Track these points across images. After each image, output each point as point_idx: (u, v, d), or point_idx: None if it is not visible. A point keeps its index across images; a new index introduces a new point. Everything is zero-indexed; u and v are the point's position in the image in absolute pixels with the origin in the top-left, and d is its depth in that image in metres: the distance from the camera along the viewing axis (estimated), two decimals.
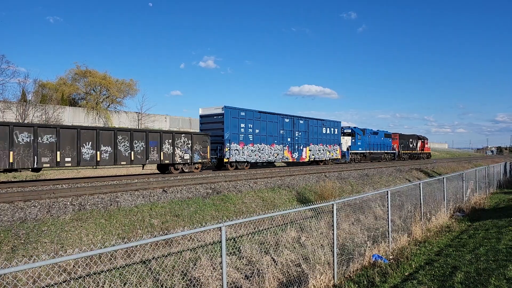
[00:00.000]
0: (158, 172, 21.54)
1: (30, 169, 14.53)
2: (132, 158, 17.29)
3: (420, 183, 10.67)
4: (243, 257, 8.22)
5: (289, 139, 26.92)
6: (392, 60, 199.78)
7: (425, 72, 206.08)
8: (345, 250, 7.70)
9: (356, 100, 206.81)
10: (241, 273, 7.32)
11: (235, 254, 8.40)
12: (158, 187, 13.34)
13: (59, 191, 11.35)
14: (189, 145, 20.22)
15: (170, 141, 19.23)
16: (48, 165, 14.42)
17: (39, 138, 14.05)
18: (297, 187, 17.75)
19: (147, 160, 18.09)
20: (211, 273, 7.09)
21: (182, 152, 19.90)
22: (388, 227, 8.22)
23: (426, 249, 7.99)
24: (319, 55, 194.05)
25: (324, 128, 30.59)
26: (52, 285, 5.92)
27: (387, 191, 8.42)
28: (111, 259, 7.05)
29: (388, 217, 8.36)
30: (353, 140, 34.55)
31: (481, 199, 15.28)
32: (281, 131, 26.23)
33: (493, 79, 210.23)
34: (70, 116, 35.20)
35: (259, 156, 24.66)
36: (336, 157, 32.00)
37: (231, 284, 6.36)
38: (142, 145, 17.74)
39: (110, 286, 5.84)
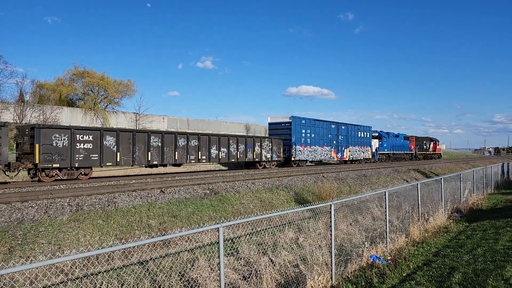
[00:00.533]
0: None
1: (182, 164, 20.94)
2: (238, 157, 23.78)
3: (417, 184, 10.69)
4: (241, 258, 8.20)
5: (334, 142, 32.61)
6: (390, 61, 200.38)
7: (422, 72, 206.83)
8: (343, 250, 7.70)
9: (354, 101, 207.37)
10: (239, 274, 7.30)
11: (233, 255, 8.39)
12: (156, 188, 13.31)
13: (56, 192, 11.31)
14: (269, 147, 26.32)
15: (259, 144, 25.44)
16: (193, 161, 21.03)
17: (189, 142, 20.47)
18: (295, 188, 17.76)
19: (246, 158, 24.50)
20: (209, 274, 7.07)
21: (266, 152, 26.04)
22: (386, 228, 8.22)
23: (424, 250, 7.99)
24: (316, 55, 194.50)
25: (359, 132, 36.16)
26: (49, 286, 5.89)
27: (385, 192, 8.43)
28: (109, 260, 7.03)
29: (386, 218, 8.36)
30: (380, 142, 39.85)
31: (479, 200, 15.32)
32: (329, 135, 32.03)
33: (490, 80, 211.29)
34: (68, 117, 35.08)
35: (314, 156, 30.19)
36: (368, 157, 37.46)
37: (229, 285, 6.34)
38: (243, 147, 24.16)
39: (107, 287, 5.81)
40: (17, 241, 8.02)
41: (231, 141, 23.32)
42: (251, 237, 9.71)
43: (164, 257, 8.01)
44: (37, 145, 13.99)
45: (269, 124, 30.47)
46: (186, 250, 8.71)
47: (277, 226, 10.57)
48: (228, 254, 8.40)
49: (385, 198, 8.34)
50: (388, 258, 7.47)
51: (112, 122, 38.63)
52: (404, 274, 6.35)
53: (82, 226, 9.30)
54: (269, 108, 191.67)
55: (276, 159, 26.73)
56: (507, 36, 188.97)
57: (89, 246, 8.35)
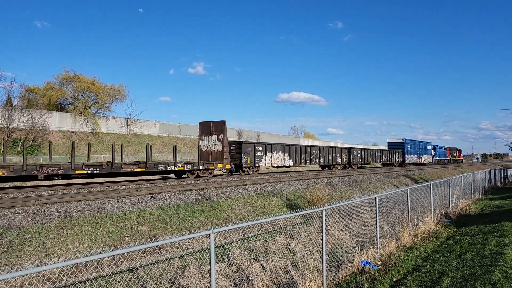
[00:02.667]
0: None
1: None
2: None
3: (407, 189, 10.81)
4: (232, 264, 8.16)
5: (417, 152, 53.44)
6: (378, 69, 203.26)
7: (410, 79, 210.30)
8: (334, 256, 7.72)
9: (344, 107, 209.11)
10: (230, 280, 7.25)
11: (224, 261, 8.34)
12: (146, 194, 13.19)
13: (44, 198, 11.12)
14: (396, 155, 46.85)
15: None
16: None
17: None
18: (287, 193, 17.77)
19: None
20: (200, 280, 7.01)
21: (396, 157, 46.69)
22: (377, 233, 8.28)
23: (414, 255, 8.06)
24: (307, 63, 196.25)
25: (427, 145, 58.25)
26: None
27: (376, 197, 8.50)
28: (97, 267, 6.92)
29: (376, 223, 8.42)
30: (434, 152, 61.30)
31: (467, 205, 15.54)
32: (416, 148, 53.26)
33: (477, 87, 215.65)
34: (57, 122, 34.63)
35: (410, 161, 50.70)
36: (430, 162, 58.28)
37: None
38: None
39: None
40: (3, 248, 7.85)
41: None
42: (242, 243, 9.67)
43: (154, 264, 7.92)
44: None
45: (389, 143, 53.24)
46: (176, 257, 8.63)
47: (268, 232, 10.55)
48: (219, 260, 8.35)
49: (376, 203, 8.41)
50: (379, 263, 7.52)
51: (103, 127, 38.26)
52: (394, 279, 6.39)
53: (71, 232, 9.15)
54: (260, 114, 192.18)
55: (398, 161, 47.24)
56: (492, 46, 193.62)
57: (78, 253, 8.22)
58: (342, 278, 6.72)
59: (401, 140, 50.80)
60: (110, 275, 6.58)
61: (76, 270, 6.64)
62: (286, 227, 10.96)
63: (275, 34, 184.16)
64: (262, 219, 5.64)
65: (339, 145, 73.58)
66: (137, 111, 60.10)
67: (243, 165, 24.60)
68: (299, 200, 17.54)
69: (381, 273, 6.79)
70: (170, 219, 11.53)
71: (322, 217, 6.46)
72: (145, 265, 7.81)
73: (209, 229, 4.67)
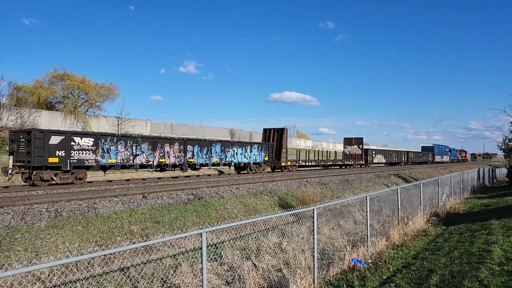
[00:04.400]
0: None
1: None
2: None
3: (397, 189, 10.94)
4: (224, 263, 8.17)
5: (441, 153, 70.34)
6: (369, 69, 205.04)
7: (400, 80, 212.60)
8: (325, 254, 7.78)
9: (336, 107, 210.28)
10: (222, 279, 7.27)
11: (216, 260, 8.35)
12: (138, 193, 13.12)
13: (34, 198, 10.98)
14: (421, 155, 63.41)
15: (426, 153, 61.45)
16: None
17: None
18: (279, 193, 17.84)
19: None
20: (192, 279, 7.01)
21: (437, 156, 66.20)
22: (367, 232, 8.37)
23: (404, 253, 8.18)
24: (299, 63, 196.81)
25: (446, 149, 75.67)
26: None
27: (366, 196, 8.60)
28: (88, 267, 6.87)
29: (367, 222, 8.52)
30: (450, 153, 78.36)
31: (456, 204, 15.80)
32: (440, 151, 69.75)
33: (465, 88, 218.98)
34: (47, 120, 34.16)
35: (438, 160, 69.06)
36: (447, 161, 74.29)
37: None
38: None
39: None
40: None
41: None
42: (235, 242, 9.69)
43: (146, 263, 7.89)
44: None
45: (422, 147, 71.14)
46: (168, 256, 8.61)
47: (261, 231, 10.59)
48: (211, 259, 8.35)
49: (366, 202, 8.50)
50: (369, 261, 7.61)
51: (93, 126, 37.85)
52: (384, 277, 6.48)
53: (61, 232, 9.06)
54: (253, 113, 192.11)
55: (430, 160, 63.40)
56: (481, 47, 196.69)
57: (68, 253, 8.14)
58: (333, 276, 6.79)
59: (431, 145, 69.09)
60: (101, 275, 6.54)
61: (67, 270, 6.59)
62: (278, 226, 11.02)
63: (267, 34, 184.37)
64: (254, 218, 5.67)
65: (331, 145, 74.07)
66: (128, 110, 59.81)
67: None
68: (291, 199, 17.62)
69: (371, 270, 6.88)
70: (162, 218, 11.50)
71: (313, 216, 6.52)
72: (137, 265, 7.78)
73: (201, 229, 4.68)
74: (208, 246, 9.26)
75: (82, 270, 6.61)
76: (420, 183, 12.63)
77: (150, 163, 18.80)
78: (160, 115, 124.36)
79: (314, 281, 6.35)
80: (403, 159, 52.39)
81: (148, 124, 44.13)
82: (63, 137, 15.14)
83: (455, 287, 5.32)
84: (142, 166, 18.67)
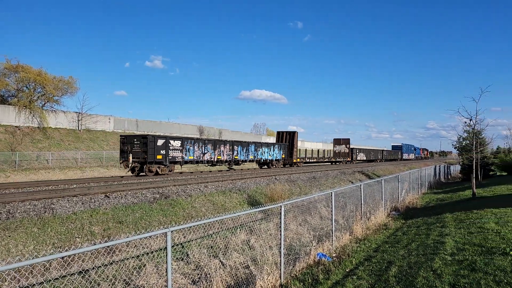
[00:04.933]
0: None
1: None
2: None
3: (361, 185, 11.34)
4: (191, 262, 8.07)
5: (408, 152, 79.89)
6: (335, 70, 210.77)
7: (364, 80, 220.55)
8: (292, 250, 7.91)
9: (304, 106, 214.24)
10: (189, 279, 7.18)
11: (182, 260, 8.22)
12: (100, 193, 12.61)
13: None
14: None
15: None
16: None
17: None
18: (248, 190, 17.88)
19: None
20: (157, 280, 6.86)
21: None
22: (332, 227, 8.61)
23: (366, 246, 8.50)
24: (269, 61, 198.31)
25: (412, 148, 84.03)
26: None
27: (331, 193, 8.83)
28: (44, 270, 6.50)
29: (332, 217, 8.76)
30: (415, 151, 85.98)
31: (414, 199, 16.66)
32: (407, 149, 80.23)
33: (423, 89, 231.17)
34: None
35: (406, 157, 78.98)
36: (413, 158, 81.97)
37: None
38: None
39: None
40: None
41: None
42: (202, 241, 9.59)
43: (108, 265, 7.60)
44: None
45: (392, 146, 79.19)
46: (132, 257, 8.35)
47: (229, 229, 10.56)
48: (178, 259, 8.21)
49: (331, 198, 8.73)
50: (334, 255, 7.83)
51: (51, 122, 35.81)
52: (347, 270, 6.69)
53: (14, 235, 8.50)
54: (222, 110, 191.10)
55: (399, 158, 69.80)
56: (437, 49, 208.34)
57: (21, 256, 7.65)
58: (299, 270, 6.92)
59: (400, 144, 78.20)
60: (58, 278, 6.21)
61: (18, 274, 6.18)
62: (247, 223, 11.04)
63: (235, 31, 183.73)
64: (222, 216, 5.63)
65: (300, 143, 75.19)
66: (90, 105, 57.17)
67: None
68: (260, 196, 17.72)
69: (335, 264, 7.08)
70: (125, 218, 11.12)
71: (281, 212, 6.59)
72: (98, 267, 7.47)
73: (166, 228, 4.58)
74: (174, 246, 9.13)
75: (36, 275, 6.24)
76: (382, 180, 13.16)
77: (212, 159, 25.03)
78: (124, 111, 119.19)
79: (280, 277, 6.44)
80: (379, 157, 61.64)
81: (111, 121, 42.46)
82: (164, 140, 20.88)
83: (411, 277, 5.60)
84: (208, 162, 24.80)
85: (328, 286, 5.94)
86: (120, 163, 21.00)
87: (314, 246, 7.93)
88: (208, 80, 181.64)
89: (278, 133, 38.49)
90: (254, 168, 33.59)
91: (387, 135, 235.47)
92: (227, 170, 28.61)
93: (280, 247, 6.49)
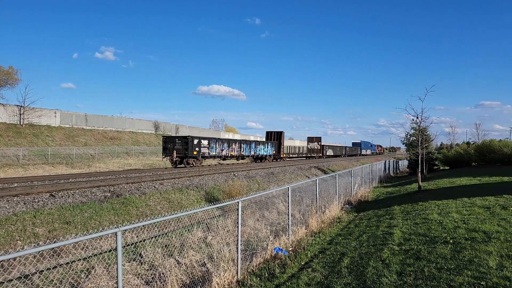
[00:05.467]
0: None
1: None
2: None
3: (316, 180, 11.65)
4: (145, 262, 7.79)
5: (366, 148, 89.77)
6: (292, 67, 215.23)
7: (320, 78, 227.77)
8: (250, 245, 7.93)
9: (263, 102, 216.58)
10: (142, 279, 6.92)
11: (135, 260, 7.91)
12: (45, 192, 11.74)
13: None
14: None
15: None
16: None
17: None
18: (206, 187, 17.65)
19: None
20: (108, 282, 6.53)
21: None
22: (289, 221, 8.75)
23: (320, 239, 8.75)
24: (226, 56, 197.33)
25: (369, 144, 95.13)
26: None
27: (288, 188, 8.96)
28: None
29: (288, 212, 8.90)
30: (371, 147, 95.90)
31: (366, 193, 17.50)
32: (365, 146, 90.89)
33: (374, 88, 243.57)
34: None
35: (364, 153, 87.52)
36: (369, 154, 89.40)
37: None
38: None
39: None
40: None
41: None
42: (157, 240, 9.30)
43: (53, 268, 7.09)
44: None
45: (353, 143, 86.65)
46: (81, 259, 7.87)
47: (185, 227, 10.34)
48: (130, 259, 7.88)
49: (288, 193, 8.87)
50: (290, 249, 7.97)
51: None
52: (302, 263, 6.84)
53: None
54: (179, 105, 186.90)
55: (359, 154, 78.40)
56: (387, 51, 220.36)
57: None
58: (256, 266, 6.95)
59: (360, 141, 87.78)
60: None
61: None
62: (204, 220, 10.89)
63: (193, 25, 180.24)
64: (177, 213, 5.46)
65: (258, 138, 75.98)
66: (33, 98, 52.90)
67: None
68: (218, 193, 17.58)
69: (291, 258, 7.21)
70: (73, 218, 10.47)
71: (238, 208, 6.56)
72: (42, 271, 6.94)
73: (116, 227, 4.35)
74: (127, 246, 8.75)
75: None
76: (336, 174, 13.64)
77: (227, 154, 32.50)
78: (72, 105, 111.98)
79: (237, 273, 6.42)
80: (343, 152, 70.93)
81: (57, 115, 39.71)
82: (198, 140, 28.00)
83: (362, 267, 5.86)
84: (224, 157, 32.39)
85: (284, 279, 6.03)
86: (163, 157, 28.17)
87: (271, 241, 8.01)
88: (164, 74, 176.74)
89: (267, 132, 44.89)
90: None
91: (341, 131, 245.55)
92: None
93: (237, 243, 6.47)
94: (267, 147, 40.33)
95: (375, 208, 13.02)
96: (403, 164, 45.33)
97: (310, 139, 57.37)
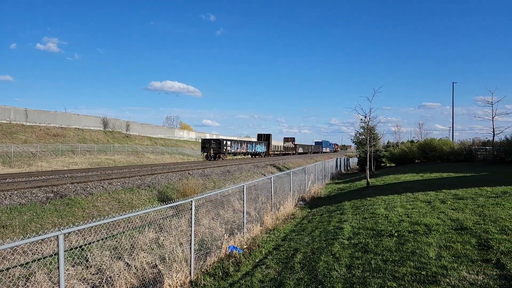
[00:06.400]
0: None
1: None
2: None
3: (272, 177, 11.79)
4: (91, 266, 7.34)
5: (327, 146, 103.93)
6: (247, 65, 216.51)
7: (275, 77, 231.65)
8: (204, 245, 7.81)
9: (219, 100, 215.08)
10: (88, 284, 6.52)
11: (81, 264, 7.43)
12: None
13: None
14: (300, 147, 77.97)
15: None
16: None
17: None
18: (159, 186, 17.11)
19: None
20: None
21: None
22: (244, 219, 8.75)
23: (275, 236, 8.87)
24: (180, 52, 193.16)
25: (329, 143, 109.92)
26: None
27: (244, 186, 8.95)
28: None
29: (243, 210, 8.90)
30: (330, 145, 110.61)
31: (319, 189, 18.09)
32: (326, 144, 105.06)
33: (327, 88, 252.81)
34: None
35: (325, 151, 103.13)
36: (328, 151, 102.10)
37: None
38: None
39: None
40: None
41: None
42: (105, 242, 8.82)
43: None
44: None
45: (315, 142, 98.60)
46: (19, 265, 7.23)
47: (137, 228, 9.93)
48: (75, 263, 7.38)
49: (244, 191, 8.86)
50: (245, 247, 7.97)
51: None
52: (257, 260, 6.87)
53: None
54: (130, 102, 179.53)
55: (321, 151, 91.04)
56: (339, 53, 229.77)
57: None
58: (210, 265, 6.85)
59: (321, 140, 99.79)
60: None
61: None
62: (156, 220, 10.54)
63: (145, 19, 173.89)
64: (127, 214, 5.20)
65: (214, 136, 75.64)
66: None
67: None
68: (171, 192, 17.13)
69: (246, 256, 7.21)
70: (11, 222, 9.59)
71: (191, 208, 6.41)
72: None
73: (58, 230, 4.04)
74: (72, 249, 8.18)
75: None
76: (290, 172, 13.91)
77: (240, 151, 43.65)
78: (10, 99, 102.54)
79: (190, 273, 6.28)
80: (310, 150, 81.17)
81: None
82: (225, 141, 39.47)
83: (314, 262, 6.02)
84: (238, 153, 43.43)
85: (238, 277, 6.01)
86: (202, 154, 39.77)
87: (226, 239, 7.96)
88: (114, 68, 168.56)
89: (259, 135, 57.44)
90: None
91: (296, 130, 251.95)
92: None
93: (191, 243, 6.33)
94: (261, 146, 52.71)
95: (327, 204, 13.48)
96: (353, 161, 47.63)
97: (286, 139, 73.97)
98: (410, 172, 21.48)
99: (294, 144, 69.06)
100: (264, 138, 55.66)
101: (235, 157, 47.67)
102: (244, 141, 46.64)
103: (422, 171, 21.52)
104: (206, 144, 39.04)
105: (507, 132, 50.03)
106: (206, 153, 38.43)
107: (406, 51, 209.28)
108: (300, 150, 73.64)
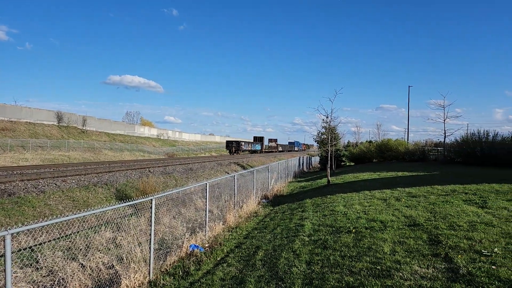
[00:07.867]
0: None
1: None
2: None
3: (235, 175, 11.78)
4: (42, 268, 6.91)
5: (298, 146, 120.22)
6: (211, 62, 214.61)
7: (241, 75, 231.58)
8: (164, 244, 7.63)
9: (181, 97, 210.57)
10: (38, 286, 6.14)
11: (32, 266, 6.97)
12: None
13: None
14: (280, 146, 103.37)
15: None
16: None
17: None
18: (117, 184, 16.48)
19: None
20: None
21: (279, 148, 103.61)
22: (206, 217, 8.66)
23: (237, 234, 8.87)
24: (142, 46, 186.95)
25: (300, 143, 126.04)
26: None
27: (206, 183, 8.86)
28: None
29: (206, 208, 8.80)
30: (299, 145, 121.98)
31: (282, 187, 18.35)
32: (297, 144, 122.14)
33: (292, 87, 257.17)
34: None
35: (296, 150, 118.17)
36: (298, 150, 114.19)
37: None
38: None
39: None
40: None
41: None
42: (58, 243, 8.34)
43: None
44: None
45: (289, 142, 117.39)
46: None
47: (93, 227, 9.49)
48: (24, 265, 6.91)
49: (206, 189, 8.77)
50: (206, 245, 7.89)
51: None
52: (218, 258, 6.83)
53: None
54: (87, 95, 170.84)
55: (294, 150, 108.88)
56: (301, 52, 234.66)
57: None
58: (170, 264, 6.71)
59: (294, 141, 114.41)
60: None
61: None
62: (114, 220, 10.13)
63: (103, 10, 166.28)
64: (81, 213, 4.93)
65: (183, 133, 74.01)
66: None
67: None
68: (131, 190, 16.57)
69: (207, 254, 7.14)
70: None
71: (152, 206, 6.23)
72: None
73: (5, 230, 3.78)
74: (21, 250, 7.64)
75: None
76: (254, 170, 13.98)
77: (249, 149, 69.41)
78: None
79: (149, 273, 6.11)
80: (286, 149, 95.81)
81: None
82: (242, 142, 67.67)
83: (275, 259, 6.10)
84: (247, 151, 68.49)
85: (199, 276, 5.93)
86: (227, 151, 64.65)
87: (187, 238, 7.82)
88: (68, 60, 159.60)
89: (255, 137, 79.32)
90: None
91: (260, 128, 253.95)
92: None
93: (150, 243, 6.15)
94: (258, 145, 73.96)
95: (289, 201, 13.72)
96: (315, 160, 48.89)
97: (270, 140, 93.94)
98: (368, 171, 22.43)
99: (276, 144, 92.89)
100: (259, 139, 79.07)
101: (243, 153, 68.30)
102: (249, 142, 72.01)
103: (379, 170, 22.56)
104: (229, 144, 64.02)
105: (457, 134, 53.76)
106: (229, 150, 62.99)
107: (367, 52, 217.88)
108: (280, 148, 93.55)
